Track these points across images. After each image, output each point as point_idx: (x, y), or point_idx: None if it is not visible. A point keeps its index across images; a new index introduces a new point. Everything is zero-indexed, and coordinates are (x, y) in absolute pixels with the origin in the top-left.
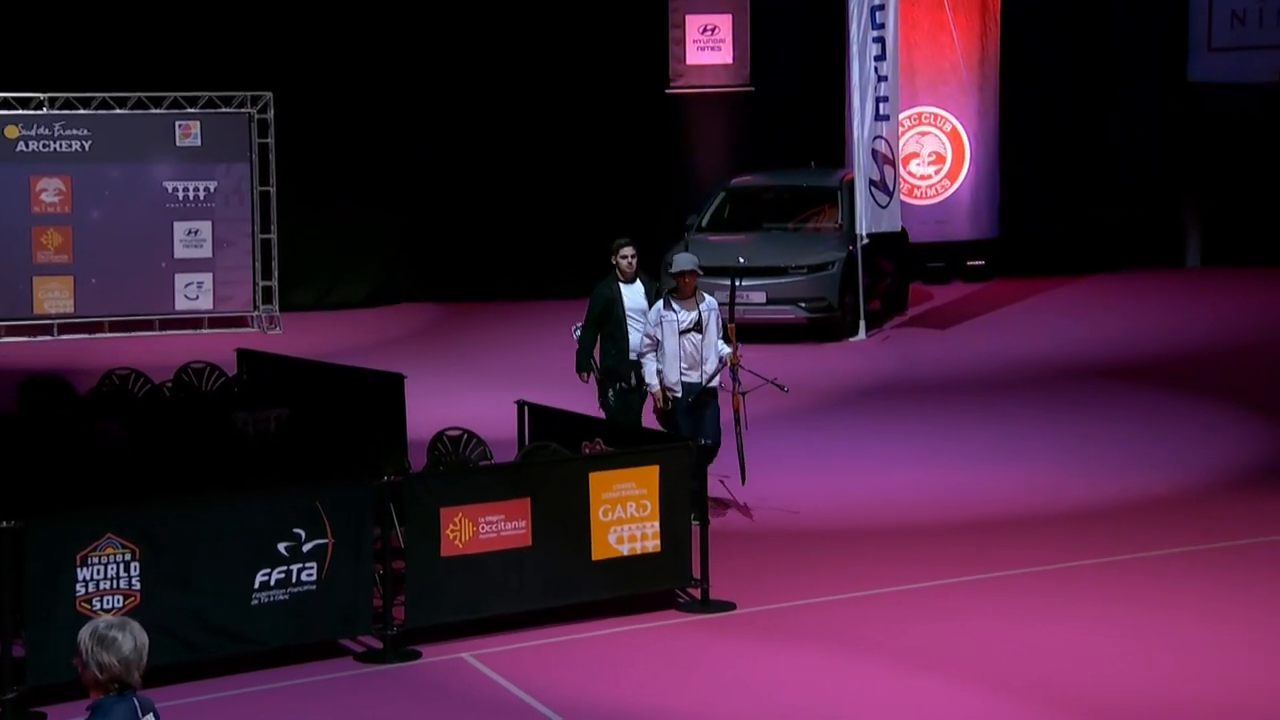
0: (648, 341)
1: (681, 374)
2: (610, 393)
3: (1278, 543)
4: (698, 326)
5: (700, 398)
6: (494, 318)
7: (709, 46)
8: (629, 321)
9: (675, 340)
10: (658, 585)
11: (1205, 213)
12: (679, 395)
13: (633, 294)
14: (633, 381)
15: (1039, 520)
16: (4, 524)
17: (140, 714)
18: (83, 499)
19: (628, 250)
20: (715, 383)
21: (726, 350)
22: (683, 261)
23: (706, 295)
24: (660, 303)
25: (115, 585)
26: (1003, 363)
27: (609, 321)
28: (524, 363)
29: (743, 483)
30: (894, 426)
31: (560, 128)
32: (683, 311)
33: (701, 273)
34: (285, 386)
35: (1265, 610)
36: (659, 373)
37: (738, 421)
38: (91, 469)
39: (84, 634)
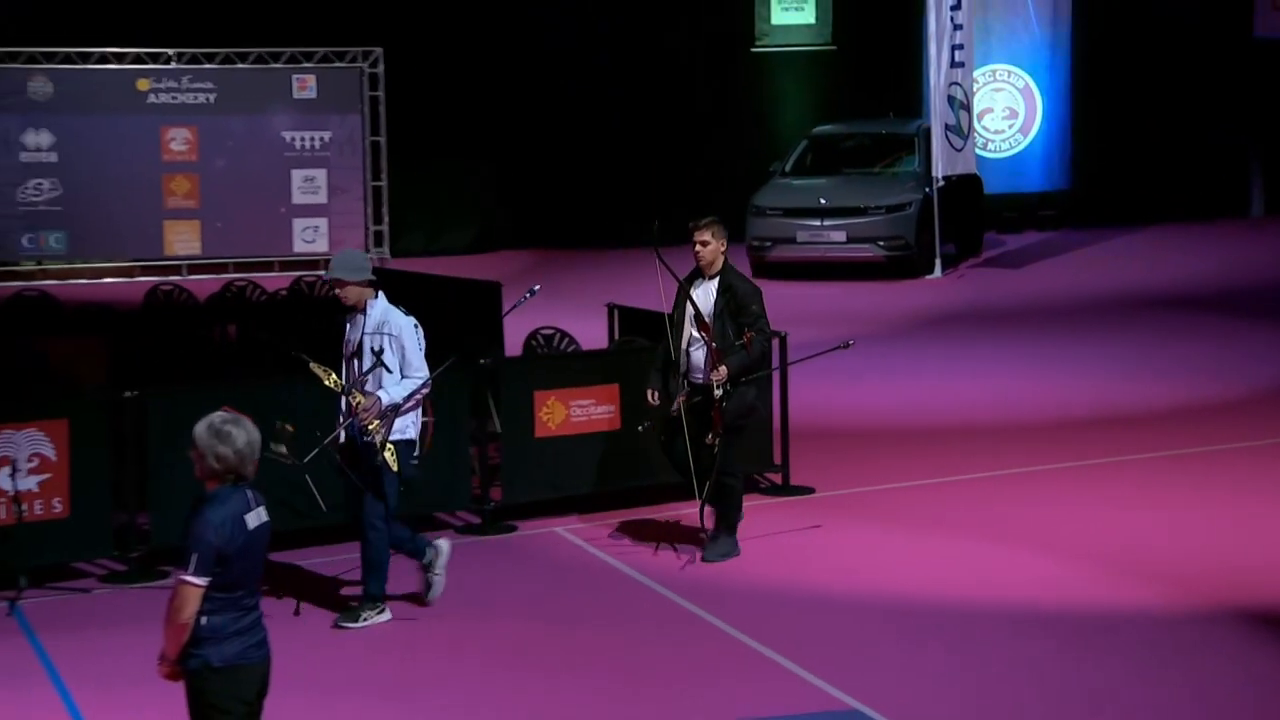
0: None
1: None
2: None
3: None
4: (358, 351)
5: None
6: (589, 263)
7: (793, 7)
8: (686, 330)
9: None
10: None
11: (1269, 164)
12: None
13: (704, 293)
14: (675, 409)
15: (1095, 421)
16: (127, 394)
17: (252, 504)
18: (199, 377)
19: (699, 234)
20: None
21: (387, 395)
22: (334, 265)
23: (378, 304)
24: None
25: None
26: (1069, 297)
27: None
28: (619, 299)
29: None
30: (965, 348)
31: (654, 84)
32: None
33: (348, 281)
34: (391, 293)
35: None
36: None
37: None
38: (207, 359)
39: (200, 428)
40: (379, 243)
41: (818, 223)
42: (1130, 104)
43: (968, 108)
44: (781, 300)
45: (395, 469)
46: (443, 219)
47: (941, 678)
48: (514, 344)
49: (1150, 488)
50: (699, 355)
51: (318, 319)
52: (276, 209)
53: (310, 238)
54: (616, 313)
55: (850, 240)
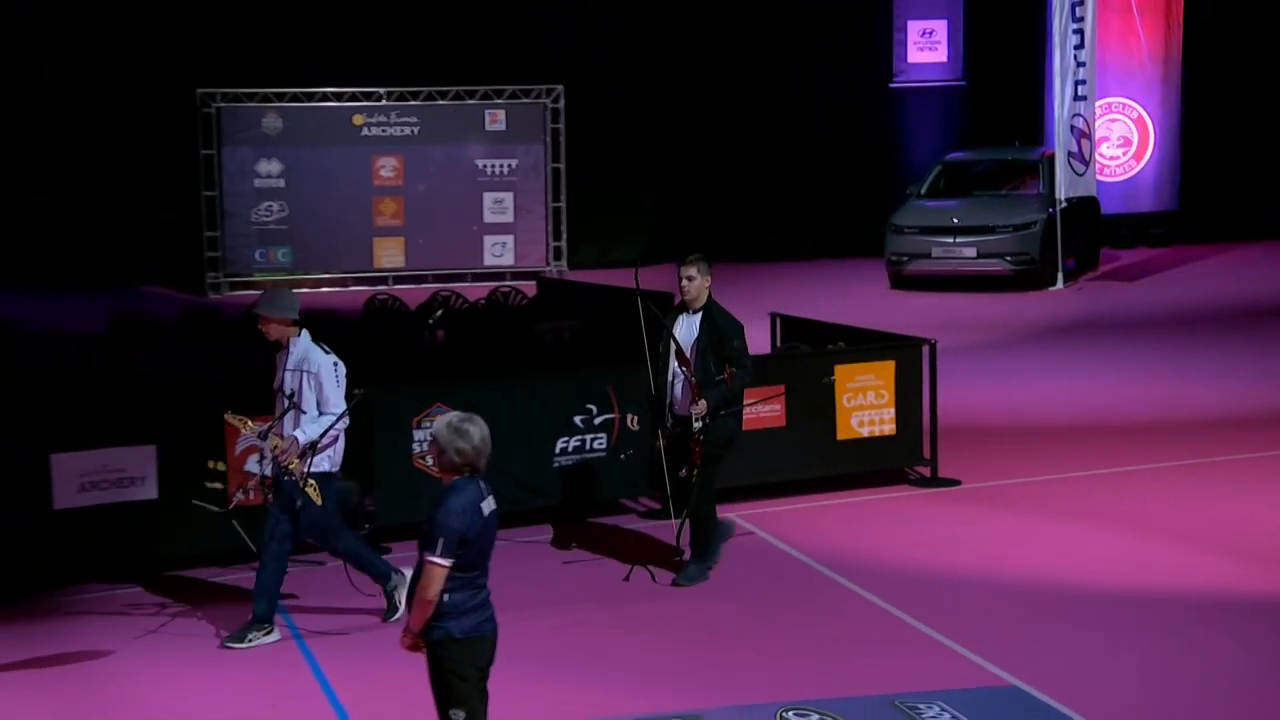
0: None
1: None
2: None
3: None
4: (280, 387)
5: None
6: (750, 275)
7: (927, 47)
8: (670, 364)
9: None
10: (892, 463)
11: None
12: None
13: (686, 327)
14: (657, 442)
15: (1218, 422)
16: (354, 392)
17: (485, 493)
18: (416, 378)
19: (686, 269)
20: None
21: (304, 434)
22: (260, 302)
23: (300, 342)
24: None
25: None
26: (1179, 307)
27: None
28: (778, 308)
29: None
30: (1087, 353)
31: (802, 116)
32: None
33: (271, 319)
34: (576, 304)
35: None
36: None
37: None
38: (417, 361)
39: (439, 426)
40: (558, 257)
41: (951, 240)
42: (1234, 133)
43: (1089, 136)
44: (917, 310)
45: (319, 502)
46: (614, 235)
47: (1097, 657)
48: None
49: (1273, 483)
50: (680, 388)
51: (513, 323)
52: (469, 227)
53: (499, 252)
54: (779, 320)
55: (980, 256)
